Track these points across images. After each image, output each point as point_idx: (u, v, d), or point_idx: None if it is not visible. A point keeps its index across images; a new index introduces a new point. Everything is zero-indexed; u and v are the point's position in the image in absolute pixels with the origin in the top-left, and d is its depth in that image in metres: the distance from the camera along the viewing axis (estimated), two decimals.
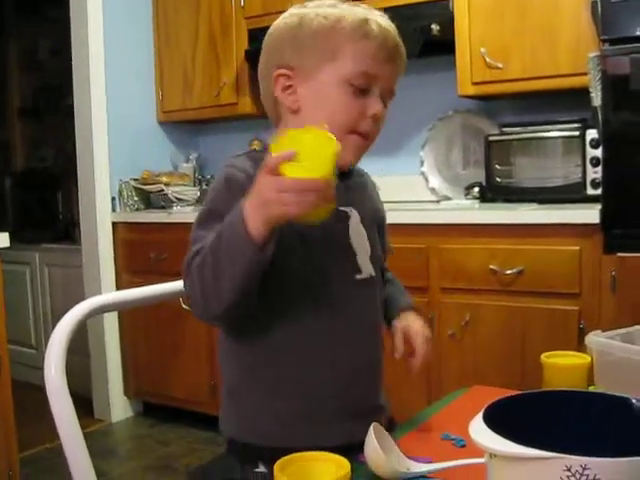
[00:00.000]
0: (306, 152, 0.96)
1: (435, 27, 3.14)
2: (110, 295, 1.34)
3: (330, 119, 1.18)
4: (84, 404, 1.08)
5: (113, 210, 3.99)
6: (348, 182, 1.32)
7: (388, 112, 1.28)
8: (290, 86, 1.25)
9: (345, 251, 1.27)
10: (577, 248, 2.64)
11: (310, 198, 0.97)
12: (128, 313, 3.95)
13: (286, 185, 0.97)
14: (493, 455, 0.78)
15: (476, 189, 3.28)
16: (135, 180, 4.03)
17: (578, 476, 0.71)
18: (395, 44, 1.26)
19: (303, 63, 1.23)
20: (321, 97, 1.23)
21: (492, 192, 3.18)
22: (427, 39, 3.23)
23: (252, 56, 3.73)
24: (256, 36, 3.69)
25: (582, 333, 2.54)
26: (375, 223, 1.38)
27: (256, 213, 1.01)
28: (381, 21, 1.24)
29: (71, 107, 4.00)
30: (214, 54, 3.93)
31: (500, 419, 0.81)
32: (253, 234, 1.02)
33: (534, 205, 2.90)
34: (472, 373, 2.82)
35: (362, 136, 1.25)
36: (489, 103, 3.46)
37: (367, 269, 1.29)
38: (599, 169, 2.79)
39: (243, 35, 3.77)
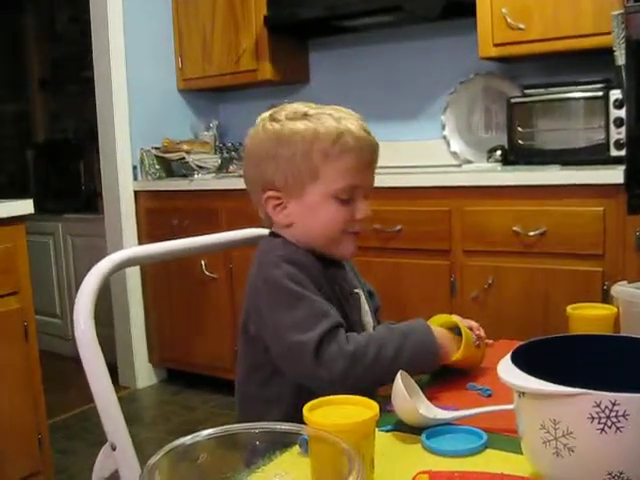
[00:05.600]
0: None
1: None
2: (132, 250, 1.34)
3: (322, 230, 1.30)
4: (109, 372, 1.11)
5: (135, 179, 4.01)
6: (348, 267, 1.43)
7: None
8: (280, 203, 1.31)
9: (358, 329, 1.34)
10: (601, 209, 2.62)
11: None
12: (151, 281, 3.98)
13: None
14: (522, 394, 0.78)
15: (498, 152, 3.25)
16: (156, 149, 4.04)
17: (607, 412, 0.71)
18: (371, 148, 1.30)
19: (288, 184, 1.29)
20: (311, 212, 1.30)
21: (514, 155, 3.16)
22: (448, 1, 3.20)
23: (271, 22, 3.71)
24: (275, 1, 3.67)
25: (606, 294, 2.53)
26: (371, 301, 1.49)
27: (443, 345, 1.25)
28: (354, 128, 1.27)
29: (91, 77, 4.00)
30: (233, 20, 3.91)
31: (529, 360, 0.82)
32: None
33: (557, 167, 2.88)
34: (495, 335, 2.81)
35: (355, 234, 1.34)
36: (511, 65, 3.42)
37: None
38: (623, 130, 2.76)
39: (262, 0, 3.74)
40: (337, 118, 1.28)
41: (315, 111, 1.29)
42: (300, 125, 1.27)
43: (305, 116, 1.28)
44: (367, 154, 1.29)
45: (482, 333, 1.34)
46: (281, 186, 1.29)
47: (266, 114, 1.33)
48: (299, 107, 1.30)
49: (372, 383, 1.21)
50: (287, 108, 1.31)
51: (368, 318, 1.40)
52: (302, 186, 1.28)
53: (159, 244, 1.39)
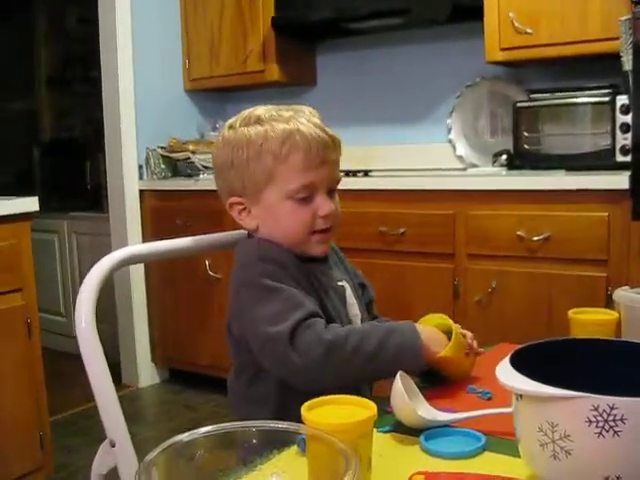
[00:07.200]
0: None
1: None
2: (133, 248, 1.35)
3: (285, 232, 1.31)
4: (112, 370, 1.13)
5: (140, 178, 4.01)
6: (330, 262, 1.43)
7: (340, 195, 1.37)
8: (245, 208, 1.35)
9: (343, 322, 1.34)
10: (605, 214, 2.62)
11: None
12: (155, 280, 3.99)
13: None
14: (520, 396, 0.78)
15: (504, 156, 3.25)
16: (162, 148, 4.04)
17: (605, 416, 0.71)
18: (322, 145, 1.29)
19: (247, 189, 1.32)
20: (272, 215, 1.32)
21: (520, 159, 3.15)
22: (456, 4, 3.20)
23: (279, 23, 3.71)
24: (283, 3, 3.68)
25: (610, 299, 2.52)
26: (362, 293, 1.49)
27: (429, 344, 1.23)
28: (303, 128, 1.28)
29: (98, 76, 4.01)
30: (241, 21, 3.91)
31: (527, 364, 0.81)
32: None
33: (562, 172, 2.87)
34: (498, 339, 2.80)
35: (322, 232, 1.34)
36: (517, 69, 3.41)
37: None
38: (629, 135, 2.75)
39: (270, 2, 3.74)
40: (288, 119, 1.30)
41: (270, 114, 1.31)
42: (252, 130, 1.30)
43: (258, 121, 1.31)
44: (318, 151, 1.29)
45: (475, 344, 1.33)
46: (241, 192, 1.33)
47: (227, 122, 1.36)
48: (255, 112, 1.32)
49: (352, 376, 1.20)
50: (244, 114, 1.34)
51: (355, 311, 1.41)
52: (259, 190, 1.31)
53: (160, 242, 1.40)
